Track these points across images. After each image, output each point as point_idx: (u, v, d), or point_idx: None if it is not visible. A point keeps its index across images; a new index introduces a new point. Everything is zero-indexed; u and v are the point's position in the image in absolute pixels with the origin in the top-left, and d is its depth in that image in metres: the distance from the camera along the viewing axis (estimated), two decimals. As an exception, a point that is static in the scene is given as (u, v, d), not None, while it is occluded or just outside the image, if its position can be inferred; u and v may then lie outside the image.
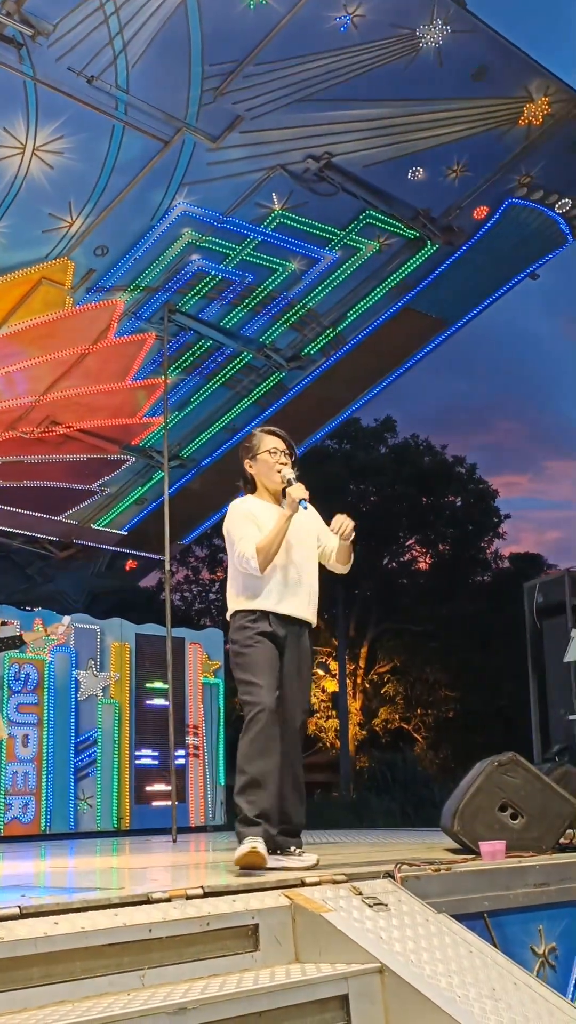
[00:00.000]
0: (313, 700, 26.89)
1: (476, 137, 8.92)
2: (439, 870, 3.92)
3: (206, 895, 3.22)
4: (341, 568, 4.87)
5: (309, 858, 4.21)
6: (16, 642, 7.72)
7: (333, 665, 26.89)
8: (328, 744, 27.47)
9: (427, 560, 29.17)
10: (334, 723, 26.74)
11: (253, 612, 4.48)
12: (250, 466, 4.72)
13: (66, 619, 8.15)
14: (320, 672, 27.10)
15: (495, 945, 3.62)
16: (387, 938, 3.23)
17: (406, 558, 29.20)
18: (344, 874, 3.63)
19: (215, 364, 11.02)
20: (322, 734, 27.38)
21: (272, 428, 4.84)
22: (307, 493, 4.46)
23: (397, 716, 26.67)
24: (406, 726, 26.83)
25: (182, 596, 29.62)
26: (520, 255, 10.51)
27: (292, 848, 4.34)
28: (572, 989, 4.03)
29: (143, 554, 13.19)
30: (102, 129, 8.13)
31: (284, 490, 4.52)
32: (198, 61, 7.79)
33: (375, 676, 26.91)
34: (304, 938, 3.25)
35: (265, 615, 4.46)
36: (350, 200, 9.42)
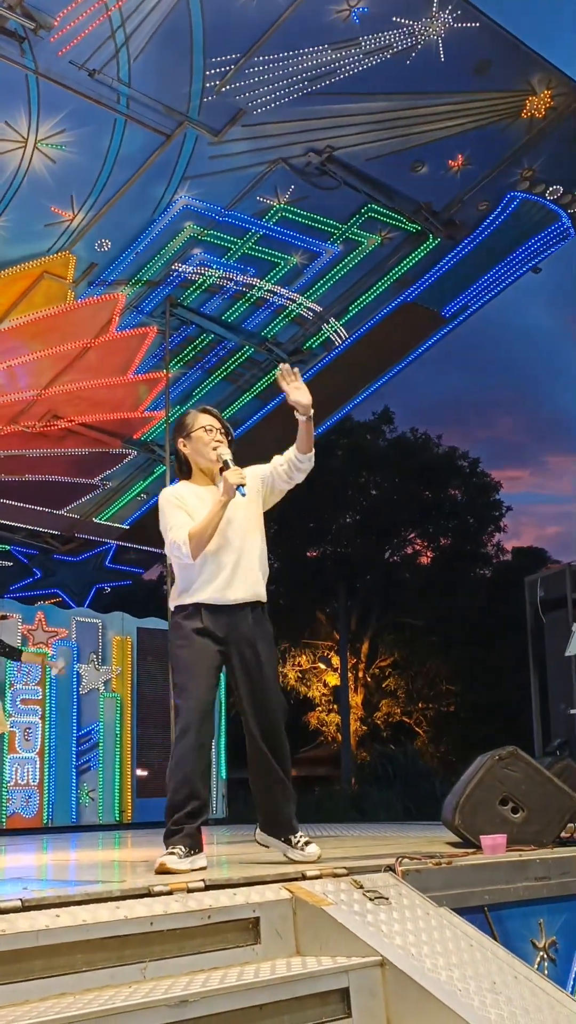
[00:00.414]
0: (315, 694, 27.10)
1: (478, 131, 8.91)
2: (440, 864, 3.93)
3: (207, 888, 3.23)
4: (303, 465, 4.48)
5: (312, 851, 4.11)
6: (14, 654, 7.71)
7: (334, 659, 26.90)
8: (329, 738, 27.50)
9: (428, 554, 29.18)
10: (335, 717, 26.76)
11: (186, 607, 4.24)
12: (184, 445, 4.41)
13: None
14: (321, 666, 27.12)
15: (496, 939, 3.62)
16: (388, 931, 3.23)
17: (407, 552, 29.20)
18: (345, 867, 3.64)
19: (217, 358, 11.02)
20: (323, 728, 27.40)
21: (206, 407, 4.56)
22: (244, 478, 4.21)
23: (398, 710, 26.69)
24: (407, 720, 26.85)
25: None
26: (522, 249, 10.50)
27: (292, 839, 4.18)
28: (572, 982, 4.04)
29: (144, 548, 13.20)
30: (104, 123, 8.12)
31: (221, 471, 4.26)
32: (200, 54, 7.78)
33: (376, 670, 26.93)
34: (305, 931, 3.26)
35: (198, 610, 4.20)
36: (352, 194, 9.41)
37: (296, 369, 4.43)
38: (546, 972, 3.82)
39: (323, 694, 27.08)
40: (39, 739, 10.53)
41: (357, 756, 25.66)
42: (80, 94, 7.82)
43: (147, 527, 12.42)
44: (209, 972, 2.95)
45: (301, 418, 4.35)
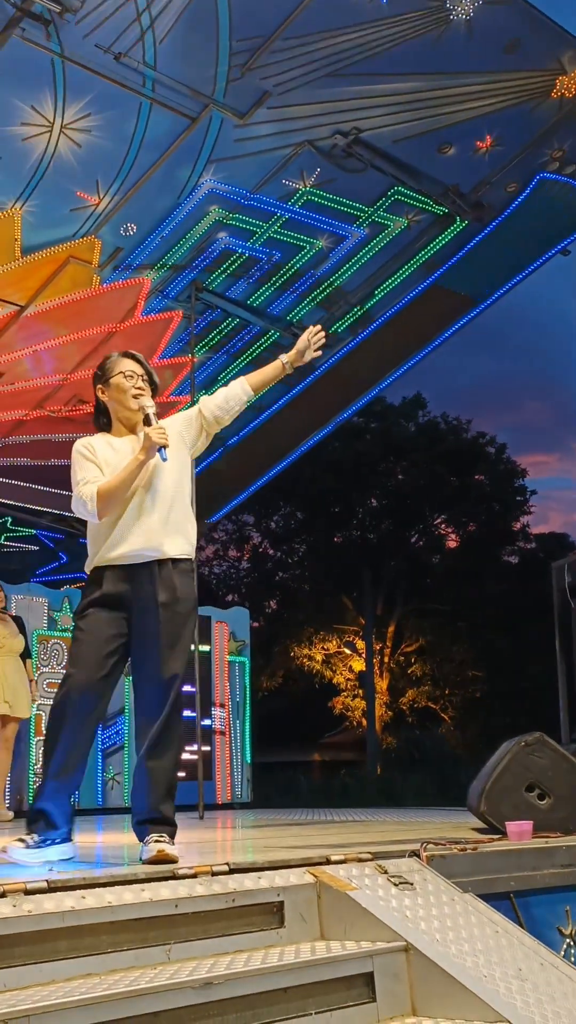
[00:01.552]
0: (340, 679, 27.13)
1: (507, 111, 8.82)
2: (465, 850, 3.92)
3: (231, 872, 3.23)
4: (246, 401, 4.19)
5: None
6: None
7: (360, 644, 26.90)
8: (355, 723, 27.53)
9: (455, 539, 29.09)
10: (360, 702, 26.78)
11: (92, 572, 3.85)
12: (102, 392, 4.01)
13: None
14: (347, 651, 27.13)
15: (522, 926, 3.61)
16: (412, 917, 3.23)
17: (434, 537, 29.12)
18: (370, 852, 3.63)
19: (242, 343, 11.00)
20: (349, 713, 27.43)
21: (130, 351, 4.12)
22: (167, 438, 3.83)
23: (424, 695, 26.67)
24: (433, 705, 26.83)
25: (209, 571, 29.74)
26: (551, 231, 10.39)
27: (149, 838, 3.66)
28: (598, 969, 4.02)
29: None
30: (129, 106, 8.10)
31: (145, 423, 3.90)
32: (226, 36, 7.73)
33: (402, 656, 26.91)
34: (329, 916, 3.26)
35: (101, 573, 3.81)
36: (378, 176, 9.35)
37: (323, 333, 4.23)
38: (573, 959, 3.80)
39: (348, 679, 27.10)
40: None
41: (383, 741, 25.68)
42: (106, 77, 7.80)
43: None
44: (233, 955, 2.95)
45: (288, 368, 4.18)
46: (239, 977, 2.72)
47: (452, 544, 29.08)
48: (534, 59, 8.41)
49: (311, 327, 4.19)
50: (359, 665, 26.85)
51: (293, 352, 4.15)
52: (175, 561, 3.85)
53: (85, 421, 11.74)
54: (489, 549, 28.02)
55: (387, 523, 28.10)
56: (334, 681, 27.13)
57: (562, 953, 3.79)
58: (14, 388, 10.53)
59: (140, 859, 3.56)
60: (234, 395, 4.14)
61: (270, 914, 3.18)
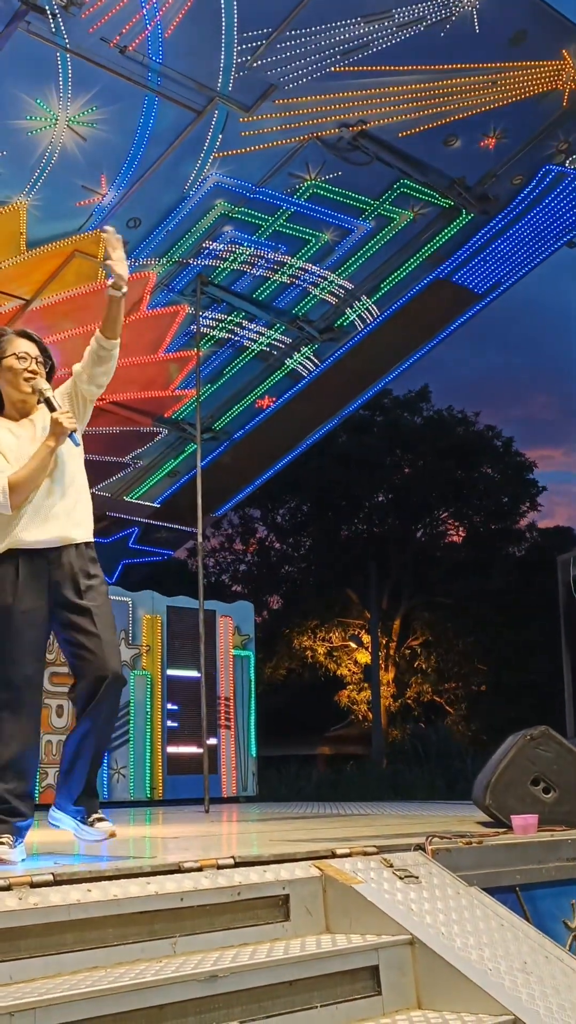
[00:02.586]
0: (345, 672, 27.17)
1: (513, 103, 8.79)
2: (470, 843, 3.92)
3: (237, 865, 3.24)
4: (108, 354, 4.05)
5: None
6: None
7: (366, 637, 26.91)
8: (360, 716, 27.55)
9: (461, 533, 29.08)
10: (366, 695, 26.80)
11: (3, 557, 3.75)
12: None
13: None
14: (352, 644, 27.14)
15: (527, 919, 3.62)
16: (418, 910, 3.23)
17: (440, 531, 29.11)
18: (375, 846, 3.64)
19: (248, 337, 10.98)
20: (354, 706, 27.45)
21: (22, 329, 4.03)
22: (75, 423, 3.81)
23: (429, 689, 26.68)
24: (438, 699, 26.84)
25: (215, 563, 29.76)
26: (557, 223, 10.37)
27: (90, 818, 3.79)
28: (604, 963, 4.02)
29: (175, 526, 13.23)
30: (135, 100, 8.08)
31: (49, 408, 3.83)
32: (231, 29, 7.71)
33: (407, 649, 26.92)
34: (334, 909, 3.27)
35: (14, 557, 3.74)
36: (384, 169, 9.32)
37: (121, 237, 4.06)
38: (577, 952, 3.80)
39: (353, 672, 27.11)
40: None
41: (388, 735, 25.70)
42: (111, 71, 7.78)
43: (178, 505, 12.45)
44: (239, 948, 2.96)
45: (116, 294, 3.95)
46: (244, 970, 2.73)
47: (458, 538, 29.08)
48: (540, 51, 8.38)
49: (108, 229, 4.06)
50: (364, 658, 26.86)
51: (111, 270, 4.02)
52: (80, 545, 3.85)
53: (92, 415, 11.72)
54: (495, 543, 28.01)
55: (393, 516, 28.09)
56: (339, 674, 27.15)
57: (568, 946, 3.79)
58: (20, 382, 10.54)
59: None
60: (91, 349, 4.02)
61: (275, 907, 3.19)
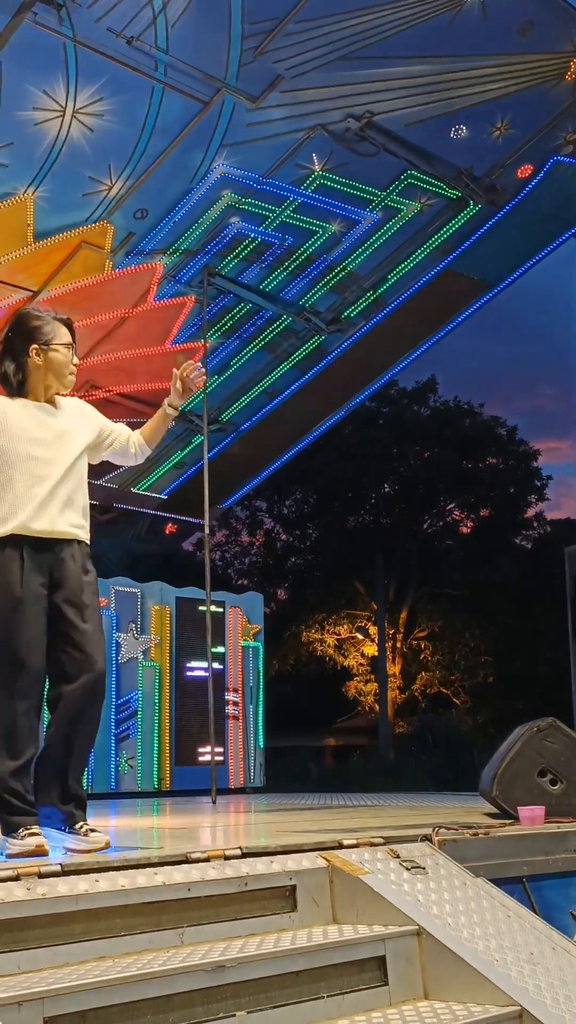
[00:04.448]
0: (352, 663, 27.19)
1: (521, 93, 8.76)
2: (477, 834, 3.93)
3: (244, 856, 3.25)
4: (140, 455, 4.10)
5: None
6: None
7: (372, 629, 26.92)
8: (367, 708, 27.58)
9: (468, 524, 29.04)
10: (373, 687, 26.82)
11: (6, 539, 3.68)
12: (37, 353, 3.82)
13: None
14: (359, 636, 27.16)
15: (534, 910, 3.62)
16: (424, 901, 3.24)
17: (446, 522, 29.09)
18: (382, 837, 3.64)
19: (255, 328, 10.98)
20: (361, 698, 27.48)
21: (61, 315, 3.98)
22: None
23: (436, 680, 26.69)
24: (445, 690, 26.85)
25: (222, 555, 29.78)
26: (565, 214, 10.34)
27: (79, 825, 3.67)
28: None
29: (183, 518, 13.24)
30: (142, 91, 8.07)
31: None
32: (238, 20, 7.69)
33: (414, 641, 26.92)
34: (341, 900, 3.27)
35: (19, 542, 3.68)
36: (391, 160, 9.30)
37: (203, 369, 4.15)
38: (584, 943, 3.80)
39: (360, 664, 27.13)
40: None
41: (395, 726, 25.72)
42: (118, 62, 7.77)
43: (186, 497, 12.45)
44: (246, 938, 2.97)
45: (171, 412, 4.07)
46: (251, 960, 2.73)
47: (465, 529, 29.05)
48: (547, 41, 8.35)
49: (187, 363, 4.09)
50: (371, 650, 26.88)
51: (173, 394, 4.07)
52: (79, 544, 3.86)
53: (98, 406, 11.73)
54: (502, 534, 27.98)
55: (400, 508, 28.07)
56: (346, 665, 27.18)
57: (575, 937, 3.79)
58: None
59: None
60: (128, 443, 4.10)
61: (282, 898, 3.20)
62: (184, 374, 4.04)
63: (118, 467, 12.19)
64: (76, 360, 3.95)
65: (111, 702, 10.91)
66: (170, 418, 4.09)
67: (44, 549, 3.72)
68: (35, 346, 3.83)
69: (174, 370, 4.06)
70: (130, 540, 13.64)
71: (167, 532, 13.82)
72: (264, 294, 10.56)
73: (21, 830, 3.47)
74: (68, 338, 3.92)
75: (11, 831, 3.50)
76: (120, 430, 4.08)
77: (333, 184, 9.46)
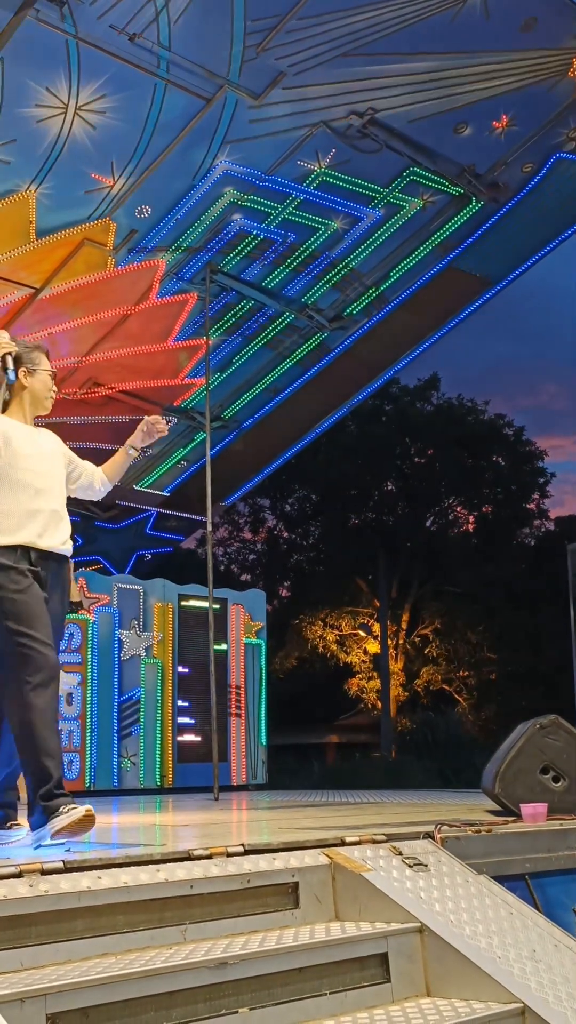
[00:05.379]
0: (354, 660, 27.18)
1: (523, 90, 8.75)
2: (479, 831, 3.93)
3: (246, 853, 3.25)
4: (101, 491, 4.41)
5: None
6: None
7: (375, 626, 26.92)
8: (369, 705, 27.57)
9: (471, 521, 29.03)
10: (375, 684, 26.81)
11: (13, 549, 3.87)
12: (25, 376, 4.07)
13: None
14: (361, 633, 27.15)
15: (537, 907, 3.62)
16: (427, 898, 3.24)
17: (449, 519, 29.07)
18: (384, 834, 3.64)
19: (257, 325, 10.98)
20: (363, 695, 27.47)
21: (43, 345, 4.26)
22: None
23: (439, 677, 26.68)
24: (447, 687, 26.84)
25: (224, 552, 29.78)
26: (568, 211, 10.32)
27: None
28: (613, 951, 4.03)
29: (185, 515, 13.25)
30: (144, 88, 8.07)
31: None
32: (240, 17, 7.69)
33: (417, 637, 26.92)
34: (344, 897, 3.27)
35: (27, 551, 3.89)
36: (394, 157, 9.30)
37: (167, 422, 4.46)
38: (586, 940, 3.80)
39: (363, 661, 27.13)
40: (81, 704, 10.65)
41: (397, 723, 25.72)
42: (120, 59, 7.77)
43: (188, 494, 12.46)
44: (248, 935, 2.97)
45: (133, 453, 4.36)
46: (254, 957, 2.73)
47: (468, 526, 29.03)
48: (551, 38, 8.33)
49: (155, 417, 4.41)
50: (374, 647, 26.88)
51: (136, 436, 4.37)
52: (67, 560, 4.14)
53: (100, 404, 11.81)
54: (505, 531, 27.95)
55: (403, 505, 28.05)
56: (349, 662, 27.17)
57: (576, 935, 3.79)
58: (29, 371, 10.54)
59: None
60: (91, 480, 4.37)
61: (285, 895, 3.20)
62: (151, 421, 4.36)
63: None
64: (55, 388, 4.20)
65: (114, 699, 10.92)
66: (131, 458, 4.39)
67: (47, 561, 3.95)
68: (23, 369, 4.08)
69: (146, 417, 4.40)
70: (132, 537, 13.65)
71: (169, 529, 13.83)
72: (266, 291, 10.55)
73: (62, 808, 3.60)
74: (49, 366, 4.18)
75: (52, 813, 3.62)
76: (87, 466, 4.35)
77: (335, 181, 9.45)
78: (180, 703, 11.43)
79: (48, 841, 3.57)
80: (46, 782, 3.65)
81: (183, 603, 11.62)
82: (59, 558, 4.02)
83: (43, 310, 9.84)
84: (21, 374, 4.05)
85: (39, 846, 3.58)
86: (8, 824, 3.82)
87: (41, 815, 3.64)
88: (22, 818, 3.87)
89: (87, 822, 3.59)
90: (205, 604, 9.69)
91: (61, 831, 3.56)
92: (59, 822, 3.58)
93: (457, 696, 26.74)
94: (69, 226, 9.13)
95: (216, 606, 11.54)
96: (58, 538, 4.00)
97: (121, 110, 8.17)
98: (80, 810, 3.59)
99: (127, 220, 9.27)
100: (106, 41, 7.61)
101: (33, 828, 3.69)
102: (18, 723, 3.71)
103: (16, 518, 3.90)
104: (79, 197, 8.86)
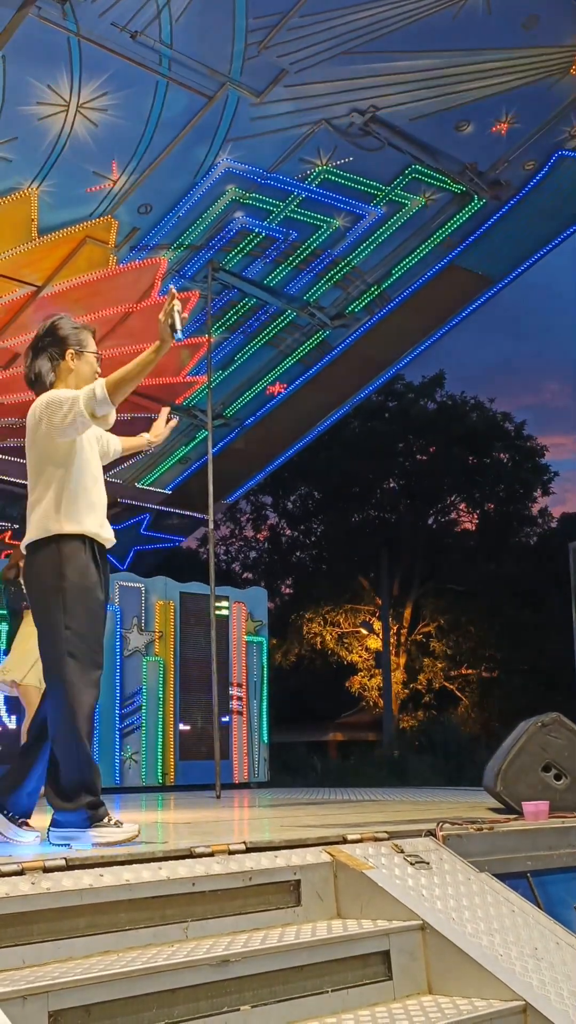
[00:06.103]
0: (356, 658, 27.19)
1: (525, 88, 8.74)
2: (481, 829, 3.93)
3: (248, 850, 3.25)
4: (112, 459, 4.26)
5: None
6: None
7: (377, 624, 26.91)
8: (371, 703, 27.57)
9: (473, 519, 29.01)
10: (377, 682, 26.81)
11: (82, 539, 3.75)
12: (72, 357, 3.86)
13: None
14: (363, 631, 27.15)
15: (539, 905, 3.62)
16: (428, 896, 3.24)
17: (452, 517, 29.06)
18: (386, 832, 3.64)
19: (259, 322, 10.97)
20: (365, 693, 27.47)
21: (89, 326, 4.03)
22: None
23: (441, 675, 26.68)
24: (449, 685, 26.83)
25: (226, 550, 29.78)
26: (570, 209, 10.32)
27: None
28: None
29: (187, 513, 13.25)
30: (146, 85, 8.07)
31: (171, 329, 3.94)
32: (242, 14, 7.68)
33: (419, 635, 26.91)
34: (345, 894, 3.27)
35: (92, 545, 3.79)
36: (396, 154, 9.29)
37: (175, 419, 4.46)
38: (588, 938, 3.80)
39: (365, 659, 27.12)
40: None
41: (399, 721, 25.72)
42: (122, 56, 7.77)
43: (189, 492, 12.46)
44: (250, 933, 2.97)
45: (147, 448, 4.41)
46: (256, 955, 2.74)
47: (470, 524, 29.03)
48: (552, 35, 8.33)
49: (164, 409, 4.44)
50: (376, 644, 26.87)
51: (153, 431, 4.36)
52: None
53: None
54: (507, 529, 27.94)
55: (405, 503, 28.03)
56: (351, 660, 27.17)
57: (578, 932, 3.79)
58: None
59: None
60: (114, 449, 4.22)
61: (287, 893, 3.20)
62: (166, 420, 4.36)
63: (122, 463, 12.22)
64: (99, 369, 3.98)
65: (115, 697, 10.93)
66: (145, 445, 4.37)
67: (102, 553, 3.87)
68: (71, 350, 3.88)
69: (163, 409, 4.40)
70: (134, 535, 13.65)
71: (171, 527, 13.83)
72: (268, 289, 10.55)
73: (106, 819, 3.58)
74: (95, 348, 4.00)
75: (97, 821, 3.58)
76: (111, 435, 4.19)
77: (337, 179, 9.45)
78: (182, 701, 11.44)
79: (81, 846, 3.49)
80: (92, 790, 3.62)
81: (184, 601, 11.63)
82: (106, 550, 3.91)
83: (45, 308, 9.84)
84: (69, 356, 3.87)
85: (68, 845, 3.50)
86: (20, 822, 3.80)
87: (84, 819, 3.57)
88: (34, 821, 3.84)
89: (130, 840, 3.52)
90: (207, 601, 9.69)
91: (109, 844, 3.46)
92: (111, 835, 3.51)
93: (459, 694, 26.73)
94: (71, 224, 9.13)
95: (223, 604, 11.56)
96: (110, 531, 3.91)
97: (123, 108, 8.17)
98: (134, 829, 3.55)
99: (129, 218, 9.27)
100: (108, 39, 7.61)
101: (64, 825, 3.59)
102: (66, 721, 3.59)
103: (86, 506, 3.79)
104: (81, 195, 8.86)
